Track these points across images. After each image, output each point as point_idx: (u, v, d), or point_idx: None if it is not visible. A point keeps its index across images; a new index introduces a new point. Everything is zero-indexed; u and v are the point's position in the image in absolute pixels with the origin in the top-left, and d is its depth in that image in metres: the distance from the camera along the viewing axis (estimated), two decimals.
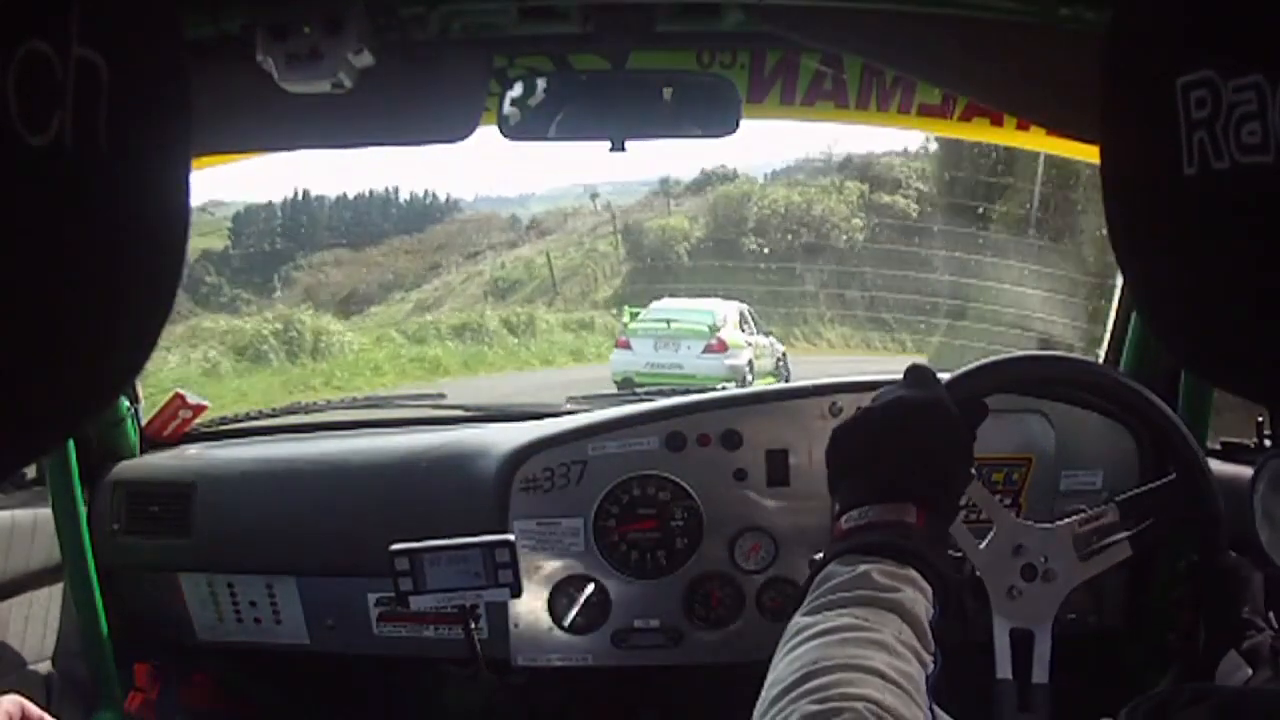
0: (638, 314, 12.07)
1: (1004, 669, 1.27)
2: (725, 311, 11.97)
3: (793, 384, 1.87)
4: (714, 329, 11.20)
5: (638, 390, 2.09)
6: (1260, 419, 1.64)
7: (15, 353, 0.36)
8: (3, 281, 0.35)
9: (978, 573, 1.28)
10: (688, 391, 1.92)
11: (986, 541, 1.28)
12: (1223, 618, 1.30)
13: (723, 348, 10.95)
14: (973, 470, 1.10)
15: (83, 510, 1.75)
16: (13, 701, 1.04)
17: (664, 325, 11.24)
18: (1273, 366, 0.48)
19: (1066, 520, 1.31)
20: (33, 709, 1.04)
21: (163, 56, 0.44)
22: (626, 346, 11.25)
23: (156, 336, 0.45)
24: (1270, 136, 0.44)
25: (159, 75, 0.43)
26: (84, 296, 0.40)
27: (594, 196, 22.36)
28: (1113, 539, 1.30)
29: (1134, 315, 1.81)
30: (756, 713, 0.74)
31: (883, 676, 0.73)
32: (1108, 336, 1.90)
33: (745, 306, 12.73)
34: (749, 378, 10.27)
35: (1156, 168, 0.52)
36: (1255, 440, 1.66)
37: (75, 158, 0.38)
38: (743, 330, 11.89)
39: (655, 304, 12.48)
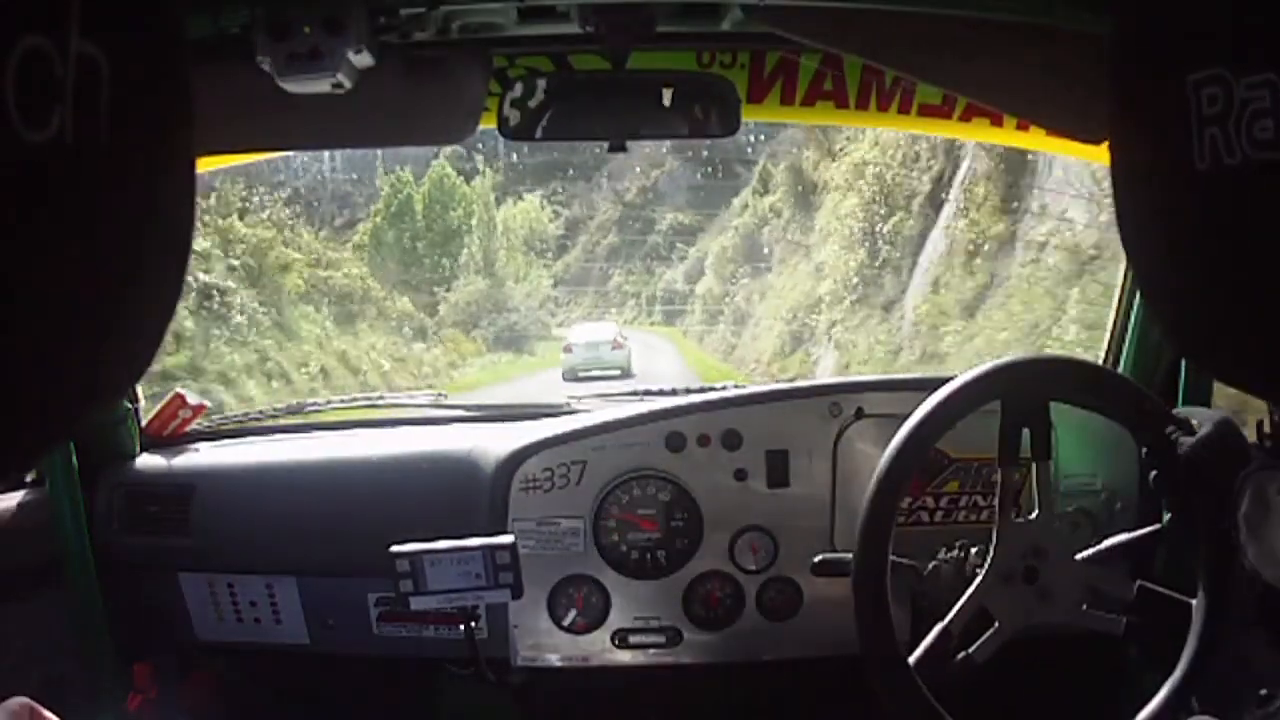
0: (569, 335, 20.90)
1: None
2: (616, 326, 21.62)
3: (793, 384, 1.86)
4: (616, 335, 19.75)
5: (615, 386, 2.13)
6: (1260, 420, 1.64)
7: (16, 351, 0.36)
8: (3, 279, 0.35)
9: (1007, 625, 1.26)
10: (688, 391, 1.93)
11: (987, 593, 1.26)
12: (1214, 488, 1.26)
13: (620, 346, 19.23)
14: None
15: (83, 510, 1.75)
16: (20, 704, 1.03)
17: (588, 338, 19.62)
18: (1276, 361, 0.49)
19: (1015, 514, 1.31)
20: (42, 711, 1.04)
21: (164, 51, 0.43)
22: (570, 351, 19.19)
23: (161, 335, 0.45)
24: None
25: (161, 70, 0.43)
26: (86, 295, 0.39)
27: None
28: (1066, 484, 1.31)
29: (1134, 314, 1.81)
30: None
31: None
32: (1108, 335, 1.89)
33: (615, 322, 22.94)
34: (630, 361, 18.80)
35: (1168, 163, 0.52)
36: (1255, 440, 1.65)
37: (76, 154, 0.37)
38: (622, 336, 20.10)
39: (576, 326, 21.97)
